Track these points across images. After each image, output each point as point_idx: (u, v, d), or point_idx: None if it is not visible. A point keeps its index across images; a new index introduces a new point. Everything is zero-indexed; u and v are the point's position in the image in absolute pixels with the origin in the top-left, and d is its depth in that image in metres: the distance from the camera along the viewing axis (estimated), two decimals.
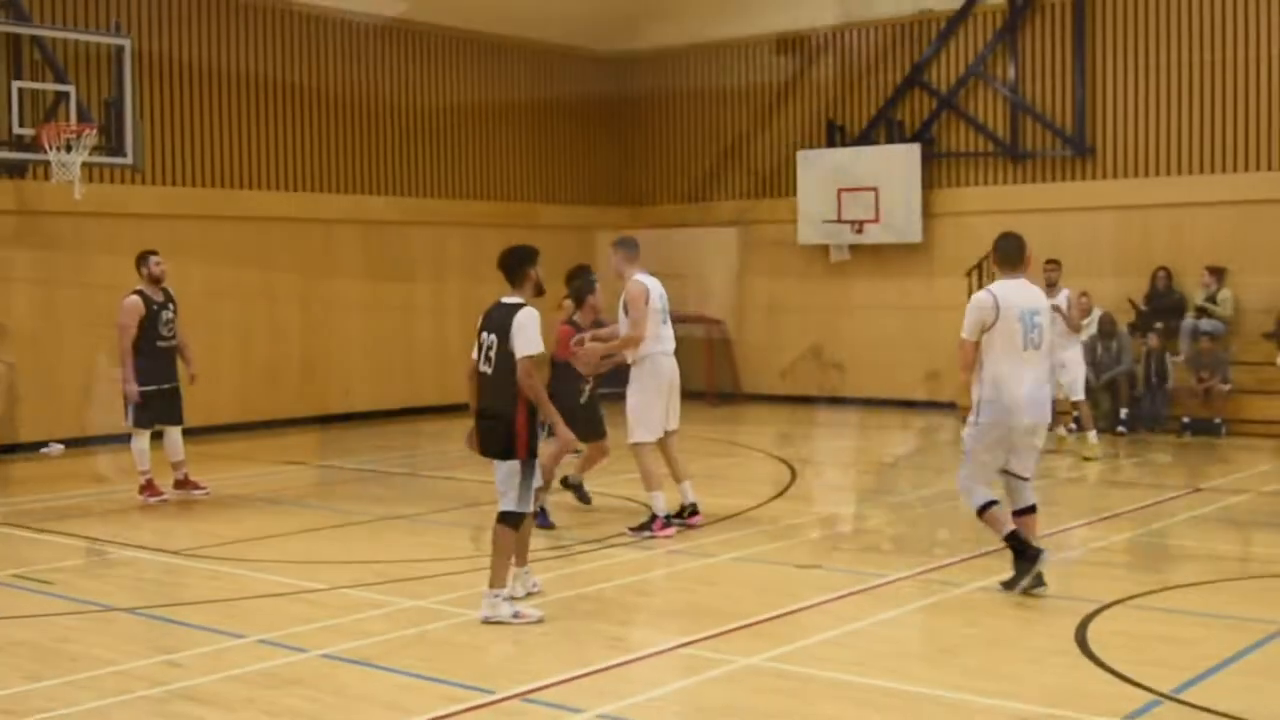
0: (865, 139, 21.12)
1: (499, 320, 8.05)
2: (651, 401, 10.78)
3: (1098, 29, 19.19)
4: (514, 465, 8.02)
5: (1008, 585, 8.54)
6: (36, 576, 9.53)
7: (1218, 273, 17.93)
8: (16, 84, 15.33)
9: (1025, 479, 8.63)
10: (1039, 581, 8.45)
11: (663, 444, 10.95)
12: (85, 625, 8.22)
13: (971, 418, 8.60)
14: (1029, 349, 8.45)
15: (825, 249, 21.40)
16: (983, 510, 8.56)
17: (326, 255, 19.69)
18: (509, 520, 8.09)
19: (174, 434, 12.99)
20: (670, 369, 10.89)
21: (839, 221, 20.76)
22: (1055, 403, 14.60)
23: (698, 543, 10.40)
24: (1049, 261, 15.29)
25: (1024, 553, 8.45)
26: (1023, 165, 19.91)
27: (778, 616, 8.16)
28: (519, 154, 22.59)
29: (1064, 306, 14.97)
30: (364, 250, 20.14)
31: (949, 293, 19.85)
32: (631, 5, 22.64)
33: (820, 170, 21.02)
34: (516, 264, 8.19)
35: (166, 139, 17.94)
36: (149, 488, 12.82)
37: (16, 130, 15.18)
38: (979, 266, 19.41)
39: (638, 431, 10.78)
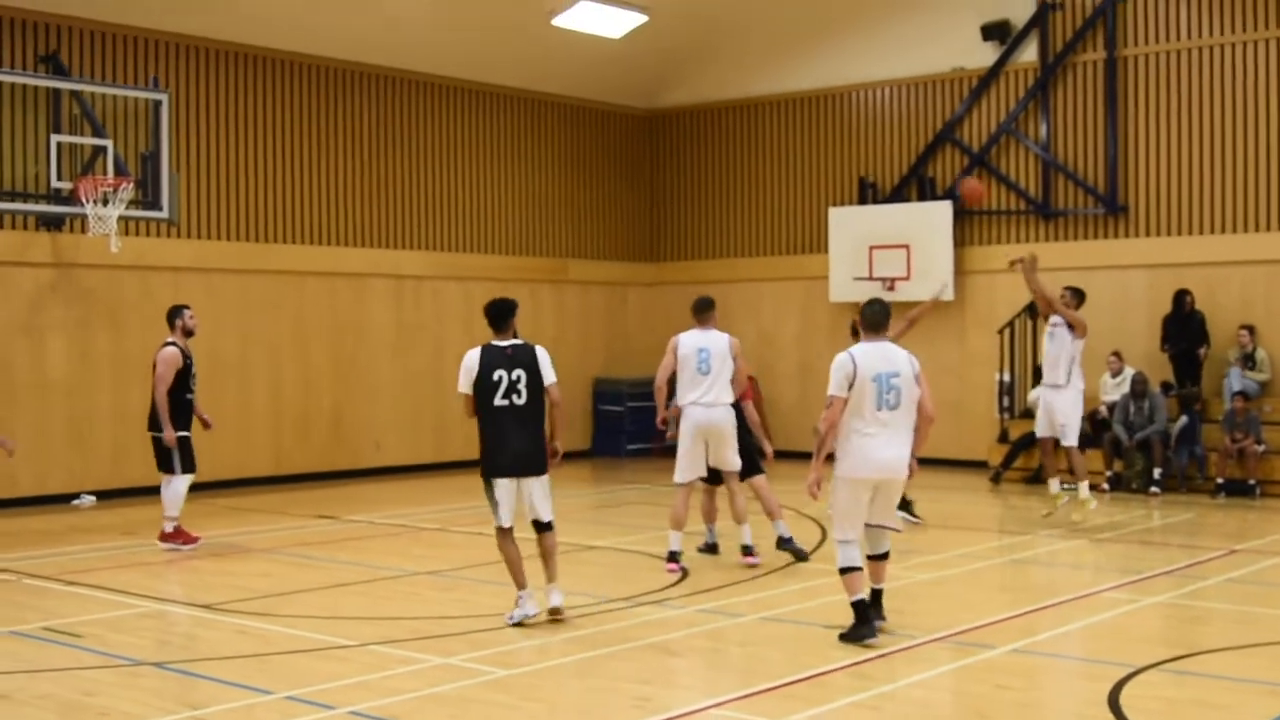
0: (897, 196, 21.15)
1: (522, 358, 9.37)
2: (684, 447, 11.71)
3: (1130, 87, 19.20)
4: (548, 478, 9.52)
5: (844, 636, 8.97)
6: (65, 629, 9.54)
7: (1254, 331, 17.81)
8: (55, 138, 15.54)
9: (885, 528, 9.24)
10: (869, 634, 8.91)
11: (716, 488, 12.23)
12: (113, 679, 8.21)
13: (835, 473, 9.04)
14: (883, 409, 8.89)
15: (857, 306, 21.34)
16: (843, 571, 8.99)
17: (358, 309, 19.79)
18: (552, 527, 9.58)
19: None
20: (699, 419, 11.62)
21: (870, 278, 20.74)
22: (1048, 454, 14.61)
23: (727, 601, 10.36)
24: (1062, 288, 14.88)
25: (862, 622, 8.90)
26: (1054, 223, 19.88)
27: (808, 678, 8.09)
28: (550, 209, 22.71)
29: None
30: (395, 304, 20.24)
31: (981, 350, 19.84)
32: (665, 63, 22.79)
33: (852, 227, 21.05)
34: (505, 314, 9.53)
35: (201, 193, 18.11)
36: (183, 534, 12.97)
37: (55, 184, 15.37)
38: (1010, 325, 19.38)
39: (677, 474, 11.80)
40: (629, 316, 23.48)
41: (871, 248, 20.72)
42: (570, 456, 22.18)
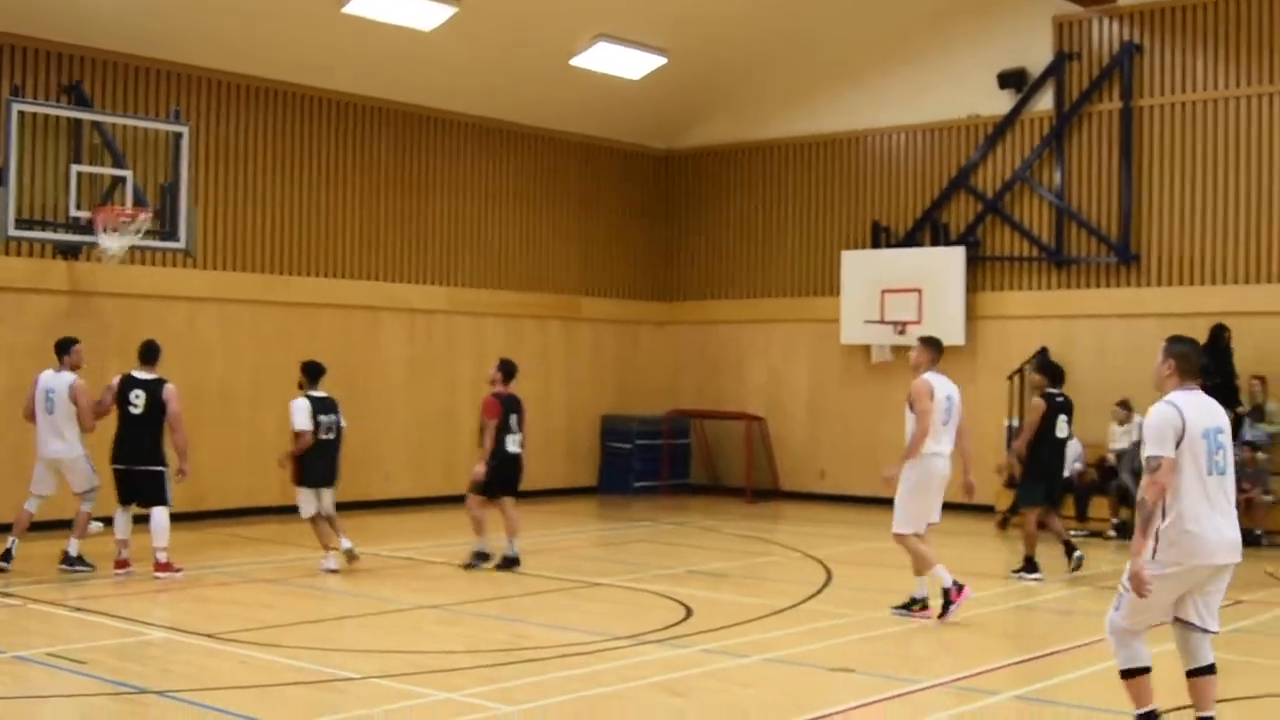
0: (910, 241, 21.22)
1: (331, 406, 13.78)
2: (917, 498, 11.29)
3: (1144, 137, 19.27)
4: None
5: None
6: (71, 656, 9.57)
7: (1265, 382, 17.76)
8: (76, 168, 15.67)
9: (1208, 631, 7.34)
10: None
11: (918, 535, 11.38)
12: (117, 708, 8.23)
13: (1147, 555, 7.09)
14: (1214, 474, 7.04)
15: (867, 349, 21.43)
16: (1129, 675, 7.30)
17: (370, 342, 19.88)
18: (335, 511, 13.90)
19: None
20: (942, 470, 11.38)
21: (882, 322, 20.80)
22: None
23: (731, 642, 10.35)
24: None
25: None
26: (1067, 271, 19.91)
27: None
28: (564, 246, 22.81)
29: None
30: (408, 338, 20.33)
31: (991, 396, 19.84)
32: (682, 104, 22.91)
33: (864, 270, 21.12)
34: (320, 373, 14.05)
35: (218, 224, 18.23)
36: (171, 563, 13.34)
37: (74, 212, 15.49)
38: (1020, 371, 19.40)
39: (901, 523, 11.31)
40: (640, 354, 23.52)
41: (884, 291, 20.78)
42: (577, 493, 22.40)
